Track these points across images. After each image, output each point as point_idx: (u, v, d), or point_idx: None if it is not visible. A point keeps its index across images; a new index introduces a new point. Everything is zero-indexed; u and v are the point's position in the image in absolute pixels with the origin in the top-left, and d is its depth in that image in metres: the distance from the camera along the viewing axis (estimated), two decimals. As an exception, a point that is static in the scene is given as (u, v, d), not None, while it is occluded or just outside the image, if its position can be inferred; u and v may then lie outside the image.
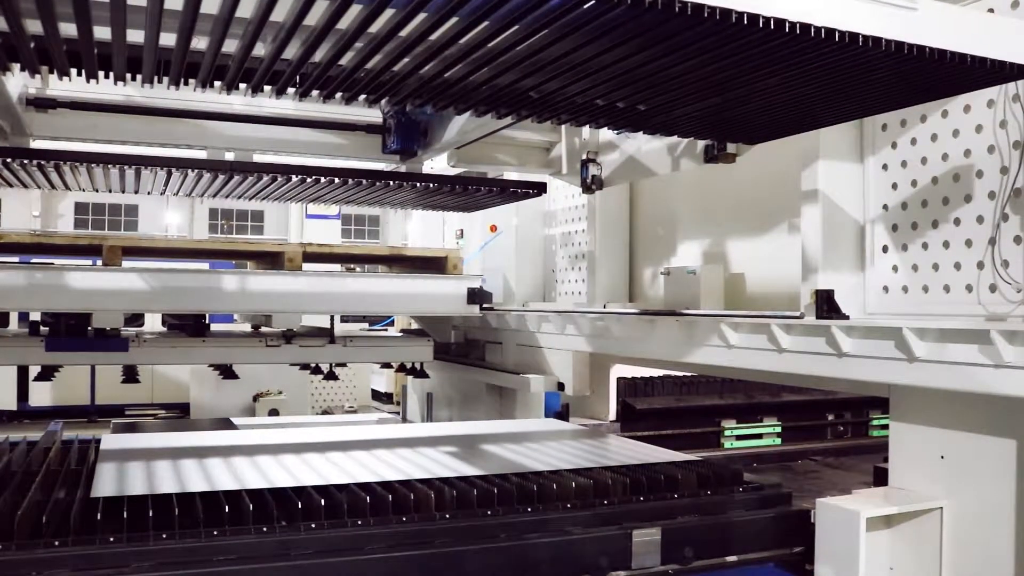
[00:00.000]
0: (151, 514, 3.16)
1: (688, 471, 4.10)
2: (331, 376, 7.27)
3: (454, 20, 2.40)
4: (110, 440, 4.69)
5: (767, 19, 2.16)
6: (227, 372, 7.50)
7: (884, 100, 3.06)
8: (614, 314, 5.22)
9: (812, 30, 2.24)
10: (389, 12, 2.35)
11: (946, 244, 3.51)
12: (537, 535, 3.44)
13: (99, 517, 3.13)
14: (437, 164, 5.83)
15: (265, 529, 3.19)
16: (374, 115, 5.24)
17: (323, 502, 3.37)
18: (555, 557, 3.40)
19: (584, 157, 5.25)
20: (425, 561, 3.24)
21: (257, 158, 5.29)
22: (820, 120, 3.38)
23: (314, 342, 6.39)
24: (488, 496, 3.60)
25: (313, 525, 3.26)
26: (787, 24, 2.20)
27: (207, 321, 6.44)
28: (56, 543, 2.96)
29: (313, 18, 2.43)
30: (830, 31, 2.26)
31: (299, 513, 3.32)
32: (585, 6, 2.17)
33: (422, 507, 3.49)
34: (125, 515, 3.15)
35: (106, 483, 3.59)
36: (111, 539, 3.01)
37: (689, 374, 6.10)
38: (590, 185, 5.24)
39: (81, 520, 3.16)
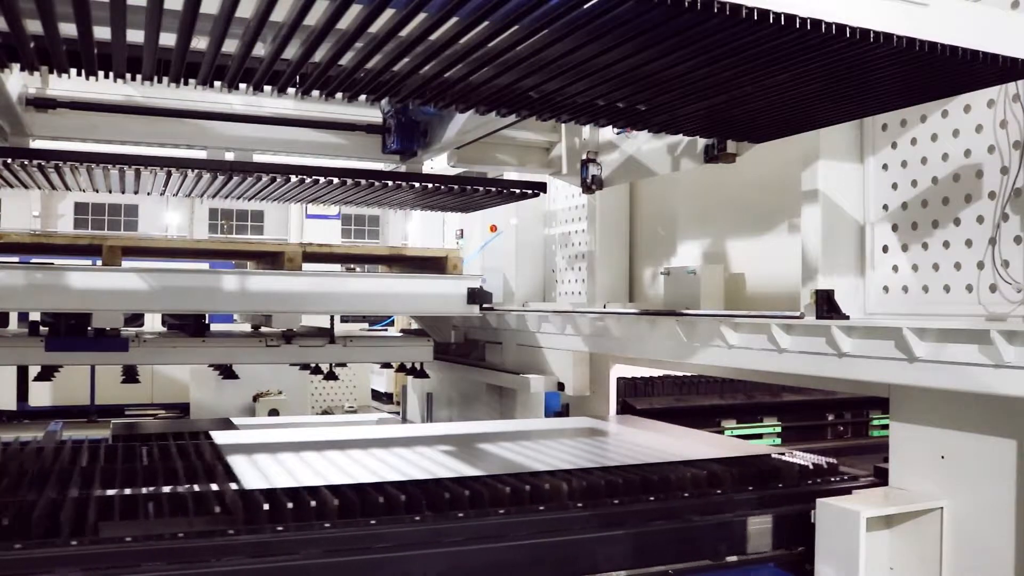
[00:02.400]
0: (312, 504, 3.29)
1: (789, 464, 4.33)
2: (331, 376, 7.28)
3: (454, 20, 2.39)
4: (221, 436, 4.86)
5: (777, 15, 2.14)
6: (227, 372, 7.50)
7: (892, 98, 3.05)
8: (614, 314, 5.22)
9: (822, 26, 2.22)
10: (389, 12, 2.35)
11: (946, 244, 3.51)
12: (662, 522, 3.63)
13: (266, 508, 3.25)
14: (437, 164, 5.83)
15: (418, 518, 3.32)
16: (374, 115, 5.24)
17: (467, 492, 3.52)
18: (680, 541, 3.60)
19: (584, 157, 5.25)
20: (563, 547, 3.39)
21: (257, 158, 5.30)
22: (826, 118, 3.37)
23: (314, 342, 6.39)
24: (614, 486, 3.78)
25: (460, 515, 3.39)
26: (797, 20, 2.18)
27: (207, 321, 6.44)
28: (231, 531, 3.08)
29: (313, 18, 2.42)
30: (840, 27, 2.24)
31: (445, 503, 3.47)
32: (586, 5, 2.17)
33: (556, 497, 3.64)
34: (290, 505, 3.27)
35: (251, 476, 3.69)
36: (279, 528, 3.14)
37: (689, 374, 6.10)
38: (590, 185, 5.24)
39: (246, 510, 3.28)
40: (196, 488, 3.61)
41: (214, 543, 2.98)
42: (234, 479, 3.70)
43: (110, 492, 3.57)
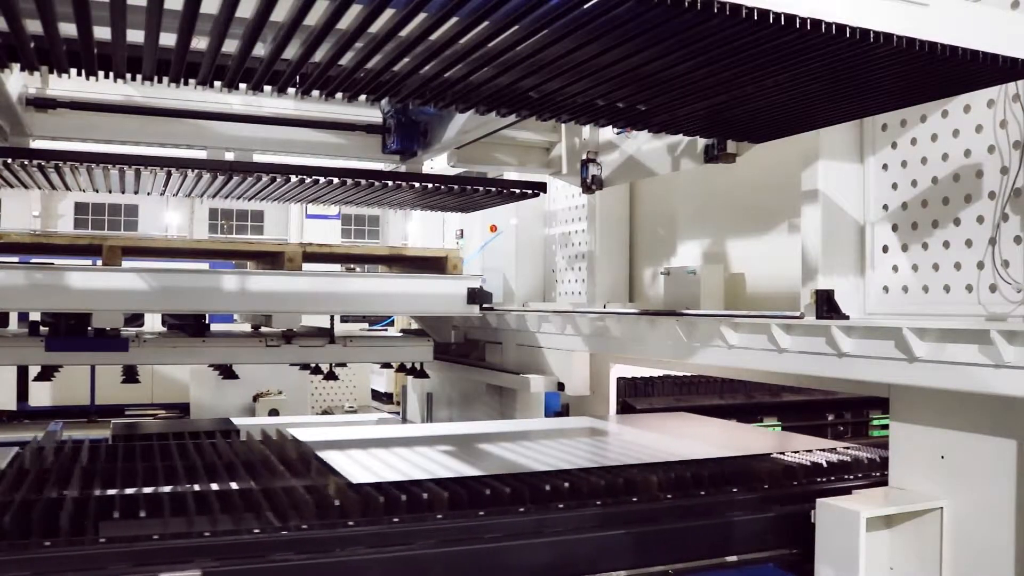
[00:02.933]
0: (425, 496, 3.49)
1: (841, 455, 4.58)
2: (331, 376, 7.28)
3: (454, 20, 2.39)
4: (304, 433, 5.01)
5: (777, 15, 2.14)
6: (227, 372, 7.50)
7: (892, 98, 3.05)
8: (614, 314, 5.22)
9: (822, 26, 2.22)
10: (389, 12, 2.35)
11: (946, 244, 3.51)
12: (740, 512, 3.80)
13: (382, 500, 3.43)
14: (437, 164, 5.83)
15: (522, 509, 3.53)
16: (374, 115, 5.24)
17: (567, 485, 3.71)
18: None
19: (584, 157, 5.25)
20: (655, 536, 3.57)
21: (257, 158, 5.29)
22: (826, 118, 3.37)
23: (314, 342, 6.39)
24: (699, 478, 4.00)
25: (561, 506, 3.59)
26: (797, 20, 2.17)
27: (207, 321, 6.44)
28: (350, 523, 3.28)
29: (313, 18, 2.42)
30: (840, 27, 2.24)
31: (545, 496, 3.65)
32: (586, 5, 2.17)
33: (645, 489, 3.85)
34: (404, 498, 3.46)
35: (356, 471, 3.87)
36: (394, 519, 3.33)
37: (689, 374, 6.10)
38: (590, 185, 5.24)
39: (361, 504, 3.43)
40: (307, 483, 3.74)
41: (337, 534, 3.19)
42: (335, 473, 3.85)
43: (219, 486, 3.76)
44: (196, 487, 3.68)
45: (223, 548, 3.02)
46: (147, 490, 3.66)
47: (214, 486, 3.73)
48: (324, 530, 3.20)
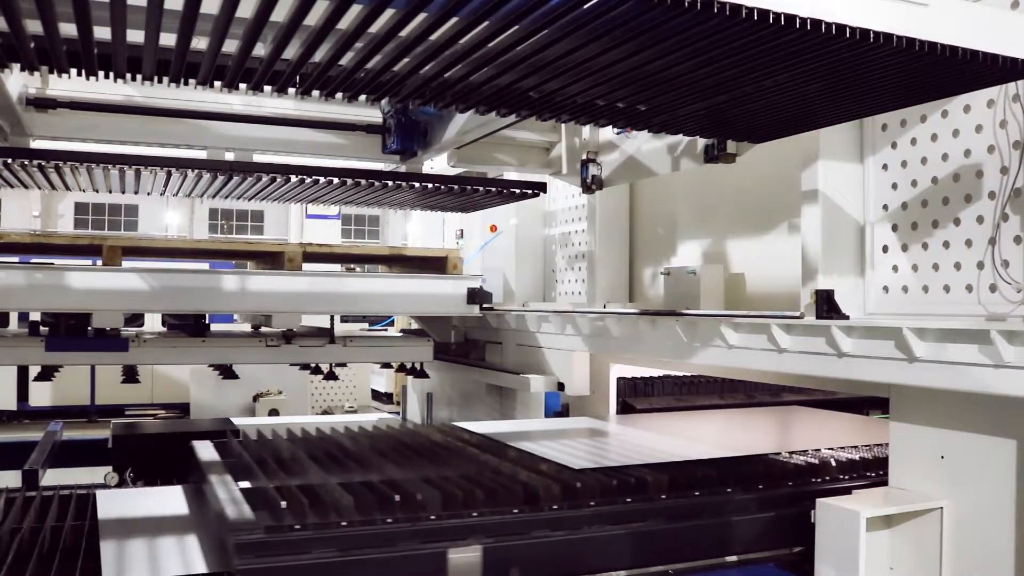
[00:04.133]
0: (648, 479, 3.86)
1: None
2: (331, 376, 7.27)
3: (454, 20, 2.39)
4: (479, 426, 5.40)
5: (777, 15, 2.14)
6: (227, 372, 7.50)
7: (892, 98, 3.05)
8: (614, 314, 5.22)
9: (823, 26, 2.22)
10: (389, 12, 2.35)
11: (946, 244, 3.51)
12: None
13: (614, 483, 3.79)
14: (437, 164, 5.82)
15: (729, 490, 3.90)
16: (374, 115, 5.24)
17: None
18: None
19: (584, 157, 5.25)
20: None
21: (257, 158, 5.29)
22: (826, 119, 3.37)
23: (314, 342, 6.39)
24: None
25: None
26: (797, 20, 2.17)
27: (207, 321, 6.44)
28: (591, 503, 3.65)
29: (313, 18, 2.42)
30: (841, 27, 2.24)
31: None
32: (586, 5, 2.17)
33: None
34: (632, 480, 3.82)
35: (569, 459, 4.19)
36: (627, 499, 3.73)
37: (689, 374, 6.10)
38: (590, 185, 5.24)
39: (596, 486, 3.77)
40: (540, 468, 4.08)
41: (581, 514, 3.59)
42: (549, 461, 4.16)
43: (458, 473, 4.02)
44: (447, 474, 4.00)
45: (491, 527, 3.39)
46: (409, 475, 3.96)
47: (452, 473, 4.03)
48: (571, 510, 3.58)
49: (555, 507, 3.58)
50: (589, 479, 3.83)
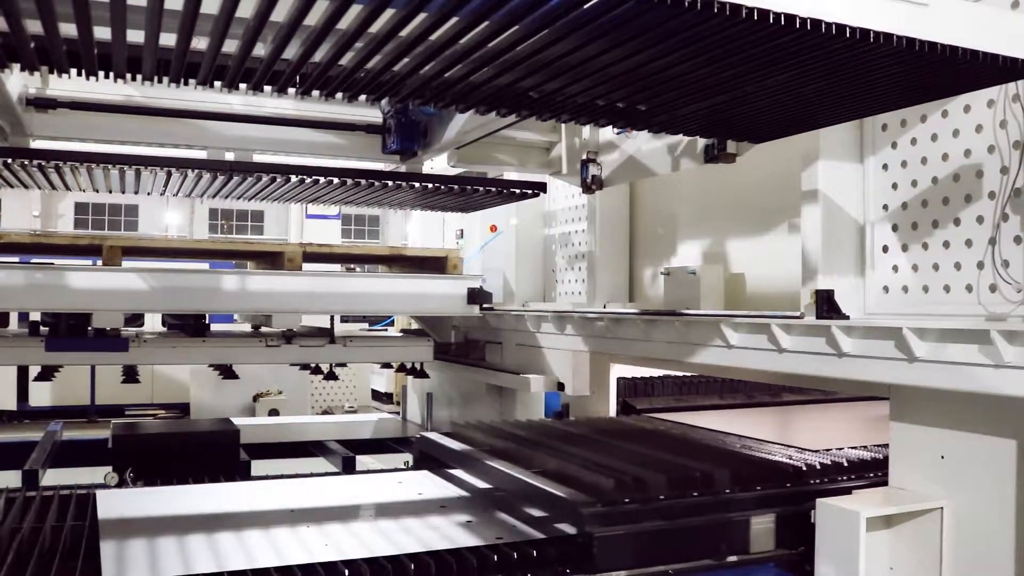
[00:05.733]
0: None
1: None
2: (331, 376, 7.27)
3: (454, 20, 2.39)
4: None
5: (777, 15, 2.14)
6: (227, 372, 7.50)
7: (892, 98, 3.05)
8: (614, 314, 5.22)
9: (822, 26, 2.21)
10: (389, 12, 2.35)
11: (946, 244, 3.51)
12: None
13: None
14: (437, 164, 5.82)
15: None
16: (374, 115, 5.24)
17: None
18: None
19: (584, 157, 5.25)
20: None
21: (257, 158, 5.29)
22: (827, 118, 3.36)
23: (314, 342, 6.39)
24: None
25: None
26: (797, 20, 2.17)
27: (207, 321, 6.44)
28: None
29: (313, 18, 2.42)
30: (840, 27, 2.24)
31: None
32: (586, 5, 2.17)
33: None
34: None
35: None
36: None
37: (689, 374, 6.09)
38: (590, 185, 5.24)
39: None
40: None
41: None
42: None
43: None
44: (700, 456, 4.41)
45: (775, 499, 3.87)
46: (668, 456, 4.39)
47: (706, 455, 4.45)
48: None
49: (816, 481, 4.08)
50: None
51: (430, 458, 5.24)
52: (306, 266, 6.30)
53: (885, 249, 3.82)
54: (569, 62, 2.61)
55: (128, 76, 2.95)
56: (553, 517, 3.81)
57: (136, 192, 5.40)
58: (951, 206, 3.50)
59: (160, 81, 3.02)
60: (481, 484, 4.59)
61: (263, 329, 6.86)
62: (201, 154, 5.14)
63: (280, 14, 2.41)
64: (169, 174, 4.67)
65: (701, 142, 4.27)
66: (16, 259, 7.05)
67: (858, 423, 5.94)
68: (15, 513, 3.92)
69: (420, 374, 7.40)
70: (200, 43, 2.69)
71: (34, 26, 2.50)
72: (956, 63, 2.49)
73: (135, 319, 10.46)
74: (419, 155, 5.20)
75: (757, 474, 4.09)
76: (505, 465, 4.37)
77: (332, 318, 6.70)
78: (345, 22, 2.44)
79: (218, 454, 5.99)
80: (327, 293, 5.88)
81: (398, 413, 9.18)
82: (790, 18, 2.16)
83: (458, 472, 4.88)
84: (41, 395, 13.64)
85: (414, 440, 5.63)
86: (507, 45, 2.51)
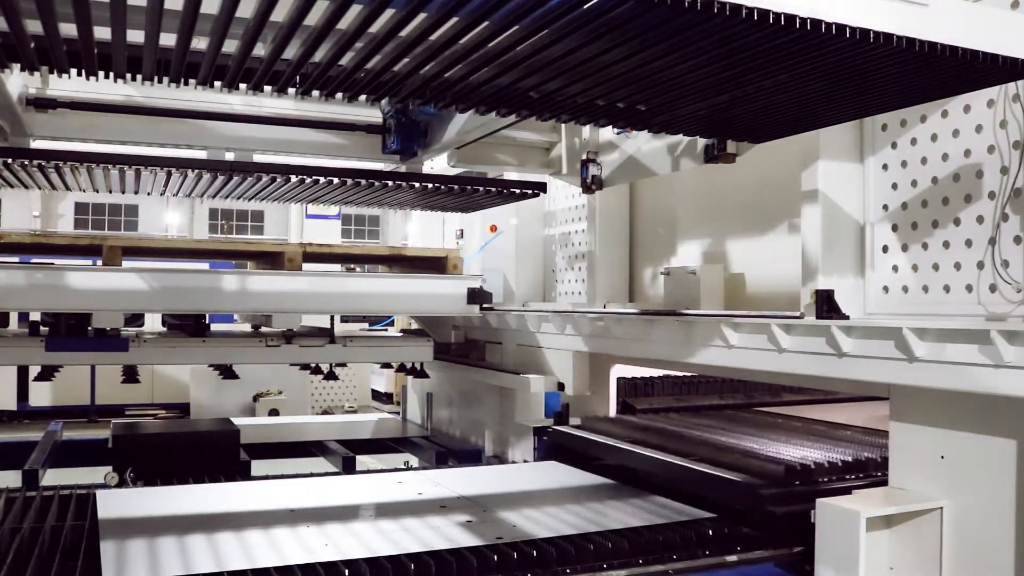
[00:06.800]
0: None
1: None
2: (331, 376, 7.28)
3: (454, 20, 2.39)
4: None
5: (777, 15, 2.14)
6: (227, 372, 7.51)
7: (892, 98, 3.05)
8: (614, 314, 5.22)
9: (822, 26, 2.22)
10: (389, 12, 2.35)
11: (946, 244, 3.51)
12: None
13: None
14: (437, 164, 5.82)
15: None
16: (374, 115, 5.24)
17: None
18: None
19: (584, 157, 5.25)
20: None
21: (257, 158, 5.29)
22: (826, 118, 3.37)
23: (314, 342, 6.39)
24: None
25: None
26: (797, 20, 2.17)
27: (207, 321, 6.44)
28: None
29: (313, 18, 2.42)
30: (840, 27, 2.24)
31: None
32: (586, 5, 2.17)
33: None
34: None
35: None
36: None
37: (689, 374, 6.09)
38: (590, 185, 5.23)
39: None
40: None
41: None
42: None
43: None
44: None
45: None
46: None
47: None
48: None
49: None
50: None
51: (564, 449, 5.55)
52: (306, 266, 6.30)
53: (885, 249, 3.82)
54: (569, 62, 2.61)
55: (128, 76, 2.95)
56: (728, 498, 4.09)
57: (136, 192, 5.40)
58: (951, 206, 3.50)
59: (160, 81, 3.02)
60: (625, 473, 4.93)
61: (263, 329, 6.86)
62: (201, 154, 5.14)
63: (280, 14, 2.41)
64: (169, 174, 4.67)
65: (701, 142, 4.27)
66: (16, 259, 7.06)
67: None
68: (15, 513, 3.92)
69: (420, 374, 7.40)
70: (200, 43, 2.69)
71: (34, 26, 2.51)
72: (956, 63, 2.49)
73: (135, 319, 10.46)
74: (419, 155, 5.20)
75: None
76: (659, 453, 4.64)
77: (332, 318, 6.70)
78: (345, 22, 2.44)
79: (218, 454, 5.99)
80: (327, 293, 5.88)
81: (398, 413, 9.18)
82: (790, 18, 2.17)
83: (604, 462, 5.18)
84: (41, 395, 13.65)
85: (548, 433, 5.78)
86: (507, 45, 2.51)
